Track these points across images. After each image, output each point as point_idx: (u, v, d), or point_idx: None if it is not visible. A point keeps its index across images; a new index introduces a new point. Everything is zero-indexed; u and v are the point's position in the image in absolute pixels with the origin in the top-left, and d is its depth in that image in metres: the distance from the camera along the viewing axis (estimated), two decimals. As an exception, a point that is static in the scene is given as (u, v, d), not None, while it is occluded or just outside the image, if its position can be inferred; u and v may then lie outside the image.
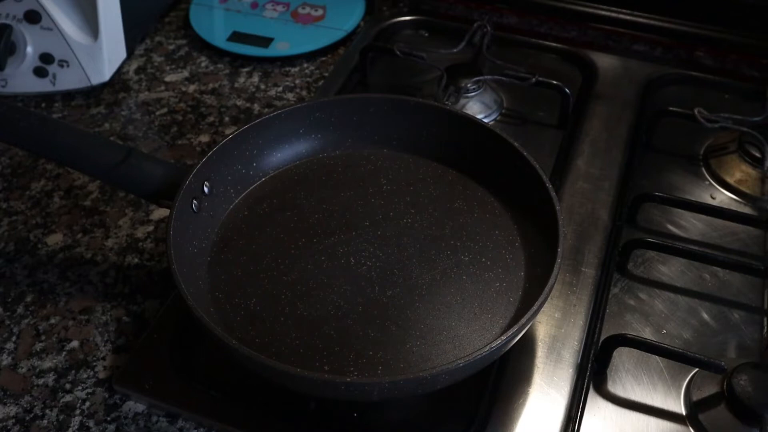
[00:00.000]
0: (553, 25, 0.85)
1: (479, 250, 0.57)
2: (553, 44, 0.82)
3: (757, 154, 0.67)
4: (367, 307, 0.53)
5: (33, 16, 0.74)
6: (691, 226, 0.63)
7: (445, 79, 0.73)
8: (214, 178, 0.58)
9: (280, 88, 0.79)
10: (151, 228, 0.65)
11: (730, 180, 0.67)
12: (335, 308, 0.53)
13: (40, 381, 0.54)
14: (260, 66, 0.82)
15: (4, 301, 0.59)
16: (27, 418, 0.52)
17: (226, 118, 0.76)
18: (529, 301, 0.50)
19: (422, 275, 0.55)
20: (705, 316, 0.57)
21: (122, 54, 0.80)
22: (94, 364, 0.55)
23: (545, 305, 0.49)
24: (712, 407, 0.50)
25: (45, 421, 0.51)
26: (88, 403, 0.52)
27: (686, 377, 0.52)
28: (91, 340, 0.57)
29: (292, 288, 0.54)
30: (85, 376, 0.54)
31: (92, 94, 0.79)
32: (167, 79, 0.81)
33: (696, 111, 0.69)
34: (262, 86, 0.80)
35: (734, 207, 0.64)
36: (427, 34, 0.86)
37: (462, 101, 0.72)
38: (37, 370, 0.55)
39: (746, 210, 0.65)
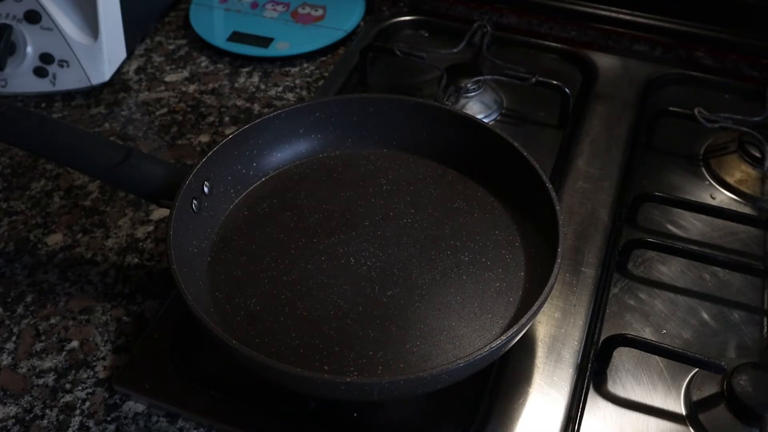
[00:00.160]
0: (553, 25, 0.85)
1: (479, 250, 0.57)
2: (553, 44, 0.82)
3: (757, 154, 0.67)
4: (367, 307, 0.53)
5: (33, 16, 0.74)
6: (691, 226, 0.63)
7: (445, 79, 0.73)
8: (214, 178, 0.58)
9: (280, 88, 0.80)
10: (151, 228, 0.65)
11: (730, 180, 0.67)
12: (335, 308, 0.53)
13: (40, 381, 0.54)
14: (260, 66, 0.82)
15: (4, 301, 0.59)
16: (27, 418, 0.52)
17: (226, 118, 0.76)
18: (529, 301, 0.50)
19: (422, 275, 0.55)
20: (705, 316, 0.57)
21: (122, 54, 0.80)
22: (94, 364, 0.55)
23: (545, 305, 0.49)
24: (712, 407, 0.50)
25: (45, 421, 0.51)
26: (88, 403, 0.52)
27: (686, 377, 0.52)
28: (91, 340, 0.57)
29: (292, 288, 0.54)
30: (85, 376, 0.54)
31: (92, 94, 0.79)
32: (167, 79, 0.81)
33: (696, 111, 0.69)
34: (262, 86, 0.80)
35: (734, 207, 0.64)
36: (427, 34, 0.86)
37: (462, 101, 0.72)
38: (37, 370, 0.55)
39: (746, 210, 0.65)
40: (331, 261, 0.56)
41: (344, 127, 0.64)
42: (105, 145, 0.58)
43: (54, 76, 0.77)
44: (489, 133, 0.60)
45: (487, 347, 0.45)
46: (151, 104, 0.78)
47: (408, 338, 0.51)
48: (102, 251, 0.63)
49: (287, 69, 0.82)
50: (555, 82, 0.72)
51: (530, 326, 0.49)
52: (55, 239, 0.64)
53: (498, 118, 0.74)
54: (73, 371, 0.54)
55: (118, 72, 0.81)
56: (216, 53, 0.84)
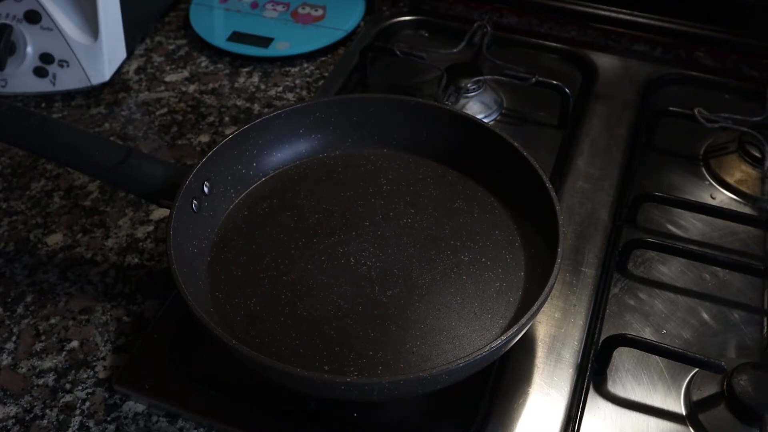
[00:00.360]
0: (553, 25, 0.85)
1: (479, 250, 0.57)
2: (553, 44, 0.82)
3: (757, 154, 0.67)
4: (367, 307, 0.53)
5: (33, 16, 0.74)
6: (691, 226, 0.63)
7: (445, 79, 0.73)
8: (214, 178, 0.58)
9: (280, 88, 0.80)
10: (151, 228, 0.65)
11: (730, 180, 0.67)
12: (335, 308, 0.53)
13: (40, 381, 0.54)
14: (260, 66, 0.82)
15: (4, 301, 0.59)
16: (27, 418, 0.52)
17: (226, 118, 0.76)
18: (529, 301, 0.50)
19: (422, 275, 0.55)
20: (705, 316, 0.57)
21: (122, 54, 0.80)
22: (94, 364, 0.55)
23: (545, 305, 0.49)
24: (712, 407, 0.50)
25: (45, 421, 0.51)
26: (88, 403, 0.52)
27: (686, 377, 0.52)
28: (91, 340, 0.57)
29: (292, 288, 0.54)
30: (85, 376, 0.54)
31: (92, 94, 0.79)
32: (167, 79, 0.81)
33: (696, 111, 0.69)
34: (262, 86, 0.80)
35: (734, 207, 0.64)
36: (427, 34, 0.86)
37: (462, 101, 0.72)
38: (37, 370, 0.55)
39: (746, 210, 0.65)
40: (331, 261, 0.56)
41: (344, 127, 0.64)
42: (105, 145, 0.58)
43: (54, 76, 0.77)
44: (489, 133, 0.60)
45: (487, 347, 0.45)
46: (151, 104, 0.78)
47: (408, 338, 0.51)
48: (102, 251, 0.63)
49: (287, 69, 0.82)
50: (555, 82, 0.72)
51: (530, 326, 0.49)
52: (55, 239, 0.64)
53: (498, 118, 0.74)
54: (73, 371, 0.54)
55: (118, 72, 0.81)
56: (216, 53, 0.84)
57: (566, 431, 0.49)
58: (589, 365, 0.53)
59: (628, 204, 0.64)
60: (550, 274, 0.49)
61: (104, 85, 0.79)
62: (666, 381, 0.52)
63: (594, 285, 0.58)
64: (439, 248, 0.57)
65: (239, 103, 0.78)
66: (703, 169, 0.69)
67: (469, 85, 0.72)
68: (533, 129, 0.73)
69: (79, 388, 0.53)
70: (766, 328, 0.56)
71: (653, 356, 0.53)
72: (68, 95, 0.79)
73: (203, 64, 0.83)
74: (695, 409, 0.51)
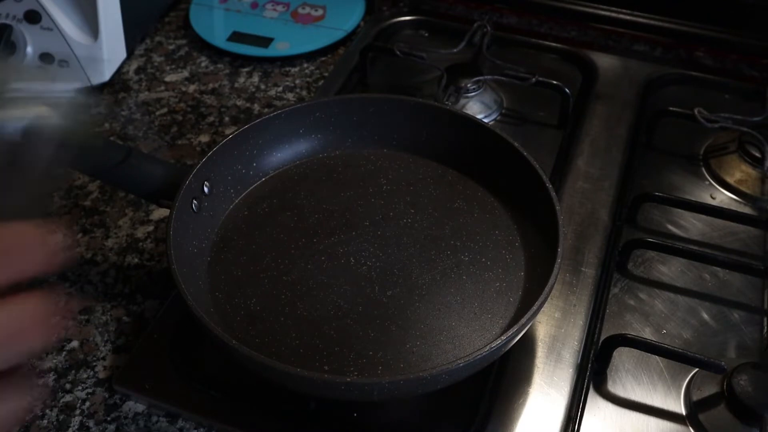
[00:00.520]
0: (553, 25, 0.85)
1: (479, 250, 0.57)
2: (553, 44, 0.82)
3: (757, 154, 0.67)
4: (367, 307, 0.53)
5: (33, 16, 0.74)
6: (691, 226, 0.63)
7: (445, 79, 0.73)
8: (214, 178, 0.58)
9: (280, 88, 0.79)
10: (151, 228, 0.65)
11: (730, 180, 0.67)
12: (335, 308, 0.53)
13: (40, 381, 0.54)
14: (260, 66, 0.82)
15: (4, 301, 0.59)
16: (27, 418, 0.52)
17: (226, 118, 0.76)
18: (529, 301, 0.50)
19: (422, 275, 0.55)
20: (705, 316, 0.57)
21: (122, 54, 0.80)
22: (94, 364, 0.55)
23: (545, 305, 0.49)
24: (712, 407, 0.50)
25: (45, 421, 0.51)
26: (88, 403, 0.52)
27: (686, 377, 0.52)
28: (91, 340, 0.57)
29: (292, 288, 0.54)
30: (85, 376, 0.54)
31: (92, 94, 0.79)
32: (167, 79, 0.81)
33: (696, 111, 0.69)
34: (262, 86, 0.80)
35: (734, 207, 0.64)
36: (427, 34, 0.86)
37: (462, 101, 0.72)
38: (37, 370, 0.55)
39: (746, 210, 0.65)
40: (331, 261, 0.56)
41: (344, 127, 0.64)
42: (105, 145, 0.58)
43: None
44: (489, 133, 0.60)
45: (487, 347, 0.45)
46: (151, 104, 0.78)
47: (408, 338, 0.51)
48: (102, 251, 0.63)
49: (287, 69, 0.82)
50: (555, 82, 0.72)
51: (530, 326, 0.49)
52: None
53: (498, 118, 0.74)
54: (73, 371, 0.54)
55: (118, 72, 0.81)
56: (216, 53, 0.84)
57: (566, 431, 0.49)
58: (589, 365, 0.53)
59: (628, 204, 0.64)
60: (550, 274, 0.49)
61: (104, 85, 0.79)
62: (666, 381, 0.52)
63: (594, 285, 0.58)
64: (439, 248, 0.57)
65: (239, 103, 0.78)
66: (703, 169, 0.69)
67: (469, 85, 0.72)
68: (533, 129, 0.73)
69: (79, 388, 0.53)
70: (766, 328, 0.56)
71: (653, 356, 0.53)
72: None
73: (203, 64, 0.83)
74: (695, 409, 0.51)
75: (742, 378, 0.50)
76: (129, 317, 0.58)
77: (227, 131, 0.74)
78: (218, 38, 0.84)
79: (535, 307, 0.47)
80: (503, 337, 0.45)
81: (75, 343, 0.56)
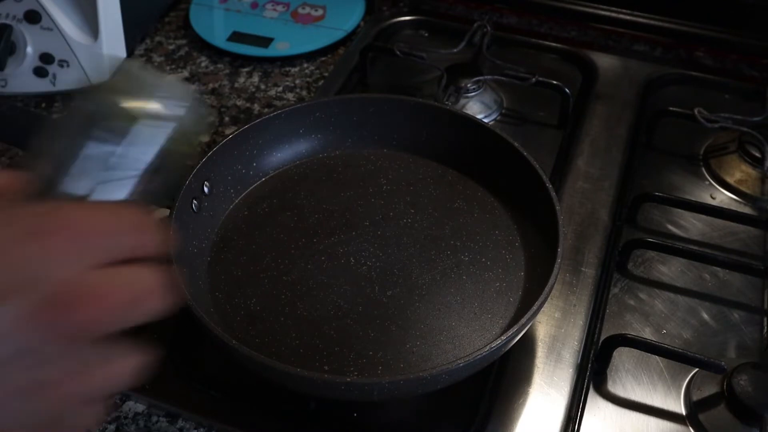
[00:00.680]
0: (553, 25, 0.85)
1: (479, 250, 0.57)
2: (553, 44, 0.82)
3: (757, 154, 0.67)
4: (367, 307, 0.53)
5: (33, 16, 0.74)
6: (691, 226, 0.63)
7: (445, 79, 0.73)
8: (214, 178, 0.58)
9: (280, 88, 0.79)
10: (151, 228, 0.65)
11: (730, 180, 0.67)
12: (335, 308, 0.53)
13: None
14: (260, 66, 0.82)
15: (4, 301, 0.59)
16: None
17: (226, 118, 0.76)
18: (529, 301, 0.50)
19: (422, 275, 0.55)
20: (705, 316, 0.57)
21: (122, 54, 0.80)
22: None
23: (545, 305, 0.49)
24: (712, 407, 0.50)
25: (45, 421, 0.51)
26: (88, 403, 0.52)
27: (686, 377, 0.52)
28: (91, 340, 0.56)
29: (292, 288, 0.54)
30: (85, 376, 0.54)
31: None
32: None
33: (696, 111, 0.69)
34: (262, 86, 0.80)
35: (734, 207, 0.64)
36: (427, 34, 0.86)
37: (462, 101, 0.72)
38: (37, 370, 0.55)
39: (746, 210, 0.65)
40: (331, 261, 0.56)
41: (344, 127, 0.64)
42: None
43: (54, 76, 0.77)
44: (489, 133, 0.60)
45: (487, 347, 0.45)
46: (151, 104, 0.78)
47: (408, 338, 0.51)
48: (102, 251, 0.63)
49: (287, 69, 0.82)
50: (555, 82, 0.72)
51: (530, 326, 0.49)
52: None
53: (498, 118, 0.74)
54: (73, 371, 0.54)
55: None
56: (216, 53, 0.84)
57: (566, 431, 0.49)
58: (589, 365, 0.53)
59: (628, 204, 0.64)
60: (550, 274, 0.49)
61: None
62: (666, 381, 0.52)
63: (594, 285, 0.58)
64: (439, 248, 0.57)
65: (239, 103, 0.78)
66: (703, 169, 0.69)
67: (469, 85, 0.72)
68: (533, 129, 0.73)
69: (79, 388, 0.53)
70: (766, 328, 0.56)
71: (653, 356, 0.53)
72: (68, 95, 0.79)
73: (203, 64, 0.83)
74: (695, 409, 0.51)
75: (742, 378, 0.50)
76: (129, 317, 0.58)
77: (227, 131, 0.74)
78: (218, 38, 0.84)
79: (535, 307, 0.47)
80: (503, 337, 0.45)
81: (75, 343, 0.56)
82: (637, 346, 0.52)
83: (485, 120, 0.72)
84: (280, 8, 0.87)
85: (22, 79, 0.77)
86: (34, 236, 0.27)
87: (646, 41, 0.83)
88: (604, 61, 0.79)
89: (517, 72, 0.72)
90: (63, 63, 0.76)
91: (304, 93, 0.79)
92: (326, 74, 0.81)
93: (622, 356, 0.54)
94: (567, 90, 0.72)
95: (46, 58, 0.76)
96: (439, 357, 0.50)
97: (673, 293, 0.58)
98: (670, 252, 0.59)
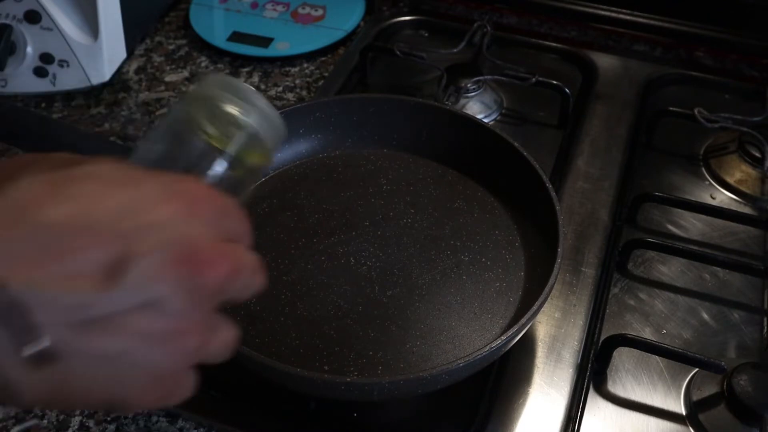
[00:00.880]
0: (553, 25, 0.85)
1: (479, 250, 0.57)
2: (553, 44, 0.82)
3: (757, 154, 0.67)
4: (367, 307, 0.53)
5: (33, 16, 0.74)
6: (691, 226, 0.63)
7: (445, 79, 0.73)
8: (214, 178, 0.58)
9: (280, 88, 0.79)
10: (151, 228, 0.65)
11: (730, 180, 0.67)
12: (335, 308, 0.53)
13: (40, 381, 0.54)
14: (260, 66, 0.82)
15: (4, 301, 0.59)
16: (27, 418, 0.52)
17: (226, 118, 0.76)
18: (529, 301, 0.50)
19: (422, 275, 0.55)
20: (705, 316, 0.57)
21: (122, 54, 0.80)
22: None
23: (545, 305, 0.49)
24: (712, 407, 0.50)
25: (45, 421, 0.51)
26: (88, 403, 0.52)
27: (686, 377, 0.52)
28: (91, 340, 0.56)
29: (292, 288, 0.54)
30: (85, 376, 0.54)
31: (92, 94, 0.79)
32: (167, 79, 0.81)
33: (696, 111, 0.69)
34: (262, 86, 0.80)
35: (734, 207, 0.64)
36: (427, 34, 0.86)
37: (462, 101, 0.72)
38: (37, 370, 0.55)
39: (746, 210, 0.65)
40: (331, 261, 0.56)
41: (344, 127, 0.64)
42: (105, 145, 0.58)
43: (54, 76, 0.77)
44: (489, 133, 0.60)
45: (487, 347, 0.45)
46: (151, 104, 0.78)
47: (408, 338, 0.51)
48: (102, 251, 0.63)
49: (287, 69, 0.82)
50: (555, 82, 0.72)
51: (530, 326, 0.49)
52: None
53: (498, 118, 0.74)
54: (73, 371, 0.54)
55: (118, 72, 0.81)
56: (216, 53, 0.84)
57: (566, 431, 0.49)
58: (589, 365, 0.53)
59: (628, 204, 0.64)
60: (550, 274, 0.49)
61: (104, 85, 0.79)
62: (666, 381, 0.52)
63: (594, 285, 0.58)
64: (439, 248, 0.57)
65: (239, 103, 0.78)
66: (703, 169, 0.69)
67: (469, 85, 0.72)
68: (533, 129, 0.73)
69: (79, 388, 0.53)
70: (766, 328, 0.56)
71: (653, 356, 0.53)
72: (68, 95, 0.79)
73: (203, 64, 0.83)
74: (695, 409, 0.51)
75: (742, 378, 0.50)
76: (129, 317, 0.58)
77: (227, 131, 0.74)
78: (218, 38, 0.84)
79: (535, 307, 0.47)
80: (503, 337, 0.45)
81: (75, 343, 0.56)
82: (637, 346, 0.52)
83: (485, 120, 0.72)
84: (280, 8, 0.87)
85: (22, 79, 0.77)
86: (165, 200, 0.28)
87: (646, 41, 0.83)
88: (604, 61, 0.79)
89: (517, 72, 0.72)
90: (63, 63, 0.76)
91: (304, 93, 0.79)
92: (326, 74, 0.81)
93: (622, 356, 0.54)
94: (567, 90, 0.72)
95: (46, 58, 0.76)
96: (439, 357, 0.50)
97: (673, 293, 0.58)
98: (670, 252, 0.59)
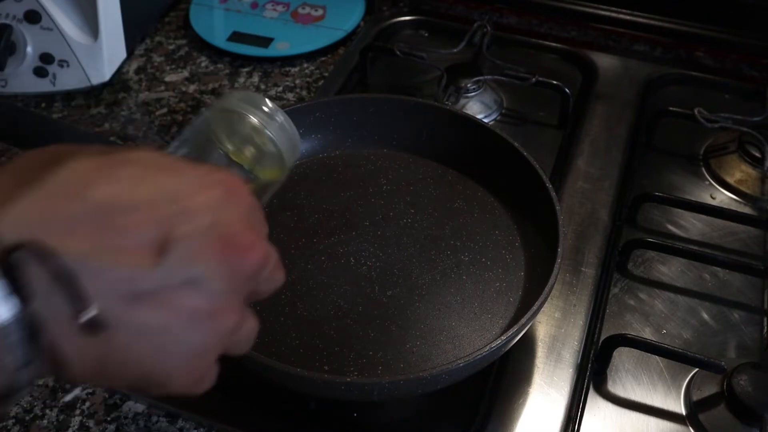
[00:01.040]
0: (553, 25, 0.85)
1: (479, 250, 0.57)
2: (553, 44, 0.82)
3: (757, 154, 0.67)
4: (367, 307, 0.53)
5: (33, 16, 0.74)
6: (691, 226, 0.63)
7: (445, 79, 0.73)
8: (214, 178, 0.58)
9: (280, 88, 0.79)
10: (151, 228, 0.65)
11: (730, 180, 0.67)
12: (335, 308, 0.53)
13: (40, 381, 0.54)
14: (260, 66, 0.82)
15: (4, 301, 0.59)
16: (27, 418, 0.52)
17: (226, 118, 0.76)
18: (529, 301, 0.50)
19: (422, 275, 0.55)
20: (705, 316, 0.57)
21: (122, 54, 0.80)
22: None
23: (545, 305, 0.49)
24: (712, 407, 0.50)
25: (45, 421, 0.51)
26: (88, 403, 0.52)
27: (686, 377, 0.52)
28: (91, 340, 0.56)
29: (292, 288, 0.54)
30: (85, 376, 0.54)
31: (92, 94, 0.79)
32: (167, 79, 0.81)
33: (696, 111, 0.69)
34: (262, 86, 0.80)
35: (734, 207, 0.64)
36: (427, 34, 0.86)
37: (462, 101, 0.72)
38: (37, 370, 0.55)
39: (746, 210, 0.65)
40: (331, 261, 0.56)
41: (344, 127, 0.64)
42: (105, 145, 0.58)
43: (54, 76, 0.77)
44: (489, 133, 0.60)
45: (487, 347, 0.45)
46: (151, 104, 0.78)
47: (408, 338, 0.51)
48: (102, 251, 0.63)
49: (287, 69, 0.82)
50: (555, 82, 0.72)
51: (530, 326, 0.49)
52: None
53: (498, 118, 0.74)
54: (73, 371, 0.54)
55: (118, 72, 0.81)
56: (216, 53, 0.84)
57: (566, 431, 0.49)
58: (589, 365, 0.53)
59: (628, 204, 0.64)
60: (550, 274, 0.49)
61: (104, 85, 0.79)
62: (666, 381, 0.52)
63: (594, 285, 0.58)
64: (439, 248, 0.57)
65: (239, 103, 0.78)
66: (703, 169, 0.69)
67: (469, 85, 0.72)
68: (533, 129, 0.73)
69: (79, 388, 0.53)
70: (766, 328, 0.56)
71: (653, 356, 0.53)
72: (68, 95, 0.79)
73: (203, 64, 0.83)
74: (695, 409, 0.51)
75: (742, 378, 0.50)
76: (129, 317, 0.58)
77: (227, 131, 0.74)
78: (218, 38, 0.84)
79: (535, 307, 0.47)
80: (503, 337, 0.45)
81: (75, 343, 0.56)
82: (637, 346, 0.52)
83: (485, 120, 0.72)
84: (280, 8, 0.87)
85: (22, 79, 0.77)
86: (205, 187, 0.30)
87: (646, 41, 0.83)
88: (604, 61, 0.79)
89: (517, 72, 0.72)
90: (63, 63, 0.76)
91: (304, 93, 0.79)
92: (326, 74, 0.81)
93: (622, 356, 0.54)
94: (567, 90, 0.72)
95: (46, 58, 0.76)
96: (439, 357, 0.50)
97: (673, 293, 0.58)
98: (670, 252, 0.59)
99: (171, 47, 0.86)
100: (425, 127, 0.63)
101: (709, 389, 0.51)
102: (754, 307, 0.57)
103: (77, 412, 0.52)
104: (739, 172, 0.67)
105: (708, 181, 0.68)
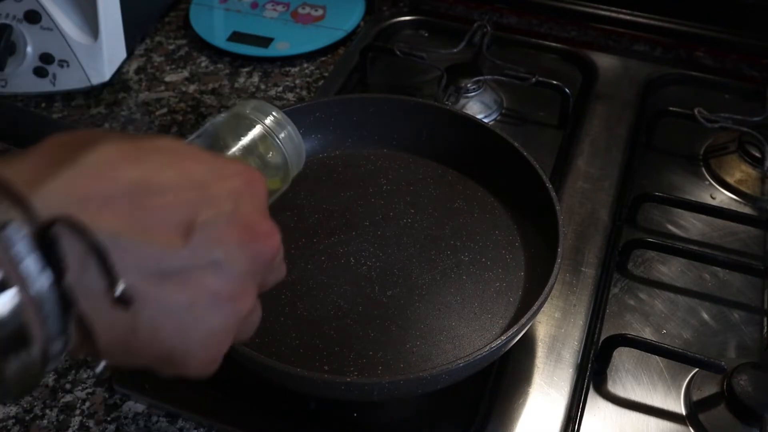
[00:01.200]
0: (553, 25, 0.85)
1: (479, 250, 0.57)
2: (553, 44, 0.82)
3: (757, 154, 0.67)
4: (367, 307, 0.53)
5: (33, 16, 0.74)
6: (691, 226, 0.63)
7: (445, 79, 0.73)
8: (214, 178, 0.58)
9: (280, 88, 0.79)
10: (151, 228, 0.65)
11: (730, 180, 0.67)
12: (335, 308, 0.53)
13: (40, 381, 0.54)
14: (260, 66, 0.82)
15: (4, 301, 0.59)
16: (27, 418, 0.52)
17: (226, 118, 0.76)
18: (529, 301, 0.50)
19: (422, 275, 0.55)
20: (705, 316, 0.57)
21: (122, 54, 0.80)
22: (95, 363, 0.55)
23: (545, 305, 0.49)
24: (712, 407, 0.50)
25: (45, 421, 0.51)
26: (88, 403, 0.52)
27: (686, 377, 0.52)
28: (91, 340, 0.56)
29: (292, 288, 0.54)
30: (85, 376, 0.54)
31: (92, 94, 0.79)
32: (167, 79, 0.81)
33: (696, 111, 0.69)
34: (262, 86, 0.80)
35: (734, 207, 0.64)
36: (427, 34, 0.86)
37: (462, 101, 0.72)
38: (37, 370, 0.55)
39: (746, 210, 0.65)
40: (331, 261, 0.56)
41: (344, 127, 0.64)
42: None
43: (54, 76, 0.77)
44: (489, 133, 0.60)
45: (487, 347, 0.45)
46: (151, 104, 0.78)
47: (408, 338, 0.51)
48: (102, 251, 0.63)
49: (287, 69, 0.82)
50: (555, 82, 0.72)
51: (530, 326, 0.49)
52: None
53: (498, 118, 0.74)
54: (73, 371, 0.54)
55: (118, 72, 0.81)
56: (216, 53, 0.84)
57: (566, 431, 0.49)
58: (589, 365, 0.53)
59: (628, 204, 0.64)
60: (550, 274, 0.49)
61: (104, 85, 0.79)
62: (666, 381, 0.52)
63: (594, 285, 0.58)
64: (439, 248, 0.57)
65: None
66: (703, 169, 0.69)
67: (469, 85, 0.72)
68: (533, 129, 0.73)
69: (79, 388, 0.53)
70: (766, 328, 0.56)
71: (653, 356, 0.53)
72: (68, 95, 0.79)
73: (203, 64, 0.83)
74: (695, 409, 0.51)
75: (742, 378, 0.50)
76: (129, 317, 0.58)
77: (227, 131, 0.74)
78: (218, 38, 0.84)
79: (535, 307, 0.47)
80: (503, 337, 0.45)
81: (75, 343, 0.56)
82: (637, 346, 0.52)
83: (485, 120, 0.72)
84: (280, 8, 0.87)
85: (22, 79, 0.77)
86: (226, 177, 0.31)
87: (646, 41, 0.83)
88: (604, 61, 0.79)
89: (517, 72, 0.72)
90: (63, 63, 0.76)
91: (304, 93, 0.79)
92: (326, 74, 0.81)
93: (622, 356, 0.54)
94: (567, 90, 0.72)
95: (46, 58, 0.76)
96: (439, 357, 0.50)
97: (673, 293, 0.58)
98: (670, 252, 0.59)
99: (171, 47, 0.86)
100: (425, 127, 0.63)
101: (709, 389, 0.51)
102: (754, 307, 0.57)
103: (77, 412, 0.52)
104: (739, 172, 0.67)
105: (708, 181, 0.68)
